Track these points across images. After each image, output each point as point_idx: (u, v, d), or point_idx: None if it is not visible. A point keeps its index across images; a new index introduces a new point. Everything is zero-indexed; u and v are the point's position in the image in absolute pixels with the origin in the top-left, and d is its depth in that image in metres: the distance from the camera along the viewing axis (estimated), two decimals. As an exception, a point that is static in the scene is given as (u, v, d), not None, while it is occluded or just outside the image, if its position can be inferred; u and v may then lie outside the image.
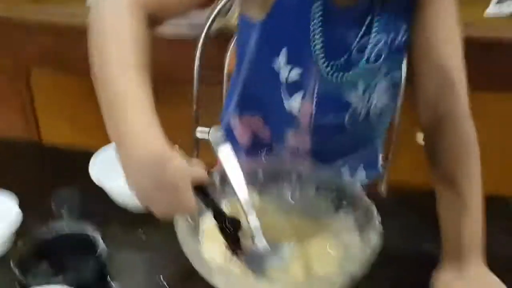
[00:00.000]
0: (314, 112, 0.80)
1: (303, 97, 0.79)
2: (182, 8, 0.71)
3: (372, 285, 0.63)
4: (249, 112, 0.89)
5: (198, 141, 1.27)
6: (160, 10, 0.66)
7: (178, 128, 0.56)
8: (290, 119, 0.82)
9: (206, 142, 0.84)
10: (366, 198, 0.66)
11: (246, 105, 0.90)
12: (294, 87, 0.79)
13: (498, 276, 0.63)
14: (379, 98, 0.81)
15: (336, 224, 0.69)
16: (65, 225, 0.64)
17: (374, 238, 0.59)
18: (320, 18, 0.73)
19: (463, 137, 0.71)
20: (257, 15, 0.78)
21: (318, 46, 0.74)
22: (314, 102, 0.79)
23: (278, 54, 0.77)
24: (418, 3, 0.74)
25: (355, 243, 0.64)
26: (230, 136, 0.94)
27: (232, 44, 1.28)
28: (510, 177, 1.59)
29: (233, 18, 1.42)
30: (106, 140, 0.59)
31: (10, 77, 1.75)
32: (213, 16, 1.25)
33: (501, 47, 1.39)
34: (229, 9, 1.40)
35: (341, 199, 0.69)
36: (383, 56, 0.77)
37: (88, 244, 0.62)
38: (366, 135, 0.89)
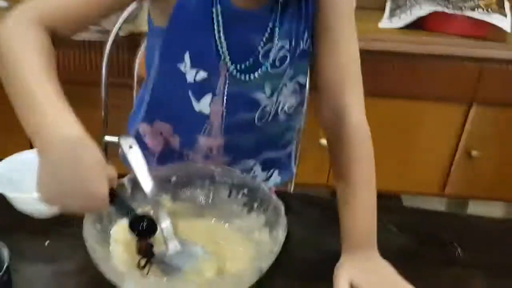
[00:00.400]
0: (224, 111, 0.83)
1: (212, 98, 0.81)
2: (87, 21, 0.73)
3: (280, 278, 0.68)
4: (158, 119, 0.90)
5: (107, 147, 1.25)
6: (64, 25, 0.69)
7: (87, 132, 0.57)
8: (200, 121, 0.84)
9: (115, 150, 0.84)
10: (275, 198, 0.70)
11: (155, 112, 0.90)
12: (202, 89, 0.81)
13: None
14: (286, 100, 0.86)
15: (248, 224, 0.72)
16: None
17: (281, 234, 0.63)
18: (221, 21, 0.76)
19: (357, 140, 0.76)
20: (160, 21, 0.79)
21: (223, 49, 0.77)
22: (224, 102, 0.82)
23: (182, 59, 0.78)
24: (317, 15, 0.79)
25: (265, 241, 0.68)
26: (140, 144, 0.93)
27: (140, 50, 1.28)
28: (402, 175, 1.74)
29: (141, 24, 1.41)
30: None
31: None
32: (120, 21, 1.23)
33: (393, 56, 1.53)
34: (136, 15, 1.40)
35: (252, 200, 0.73)
36: (287, 61, 0.81)
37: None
38: (277, 135, 0.93)
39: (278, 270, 0.61)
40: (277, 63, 0.81)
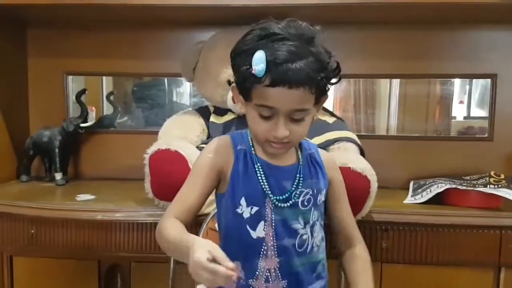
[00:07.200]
0: (274, 233, 1.14)
1: (264, 223, 1.14)
2: (197, 211, 1.17)
3: None
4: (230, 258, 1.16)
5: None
6: (186, 217, 1.15)
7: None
8: (259, 244, 1.14)
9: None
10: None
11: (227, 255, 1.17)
12: (256, 219, 1.15)
13: None
14: (317, 234, 1.20)
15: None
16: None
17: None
18: (262, 172, 1.15)
19: (362, 258, 1.19)
20: (221, 190, 1.19)
21: (267, 190, 1.14)
22: (273, 226, 1.14)
23: (239, 204, 1.14)
24: (330, 189, 1.23)
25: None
26: None
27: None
28: None
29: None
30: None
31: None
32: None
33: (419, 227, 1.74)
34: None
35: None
36: (311, 203, 1.17)
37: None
38: (316, 268, 1.21)
39: None
40: (304, 203, 1.16)
